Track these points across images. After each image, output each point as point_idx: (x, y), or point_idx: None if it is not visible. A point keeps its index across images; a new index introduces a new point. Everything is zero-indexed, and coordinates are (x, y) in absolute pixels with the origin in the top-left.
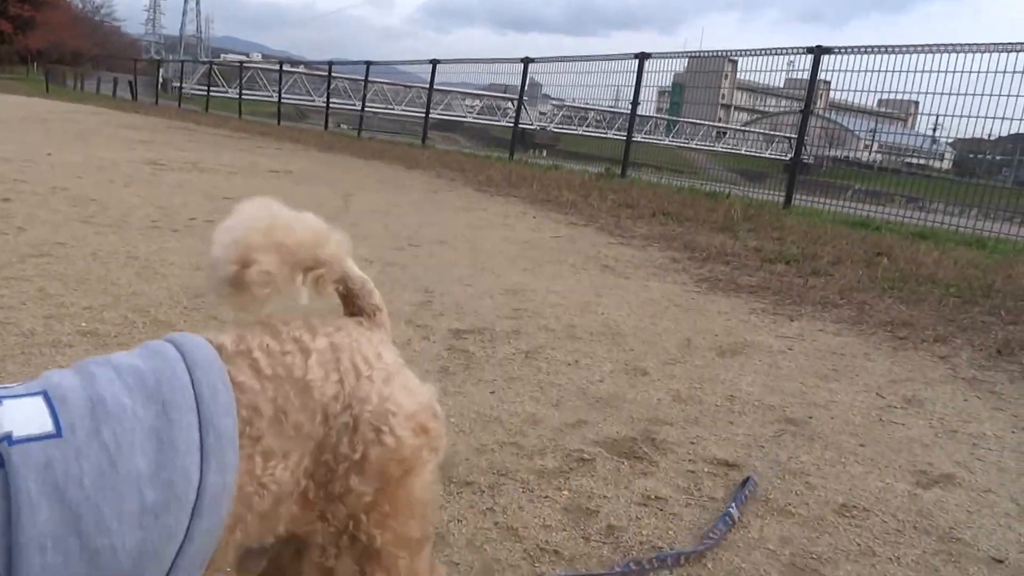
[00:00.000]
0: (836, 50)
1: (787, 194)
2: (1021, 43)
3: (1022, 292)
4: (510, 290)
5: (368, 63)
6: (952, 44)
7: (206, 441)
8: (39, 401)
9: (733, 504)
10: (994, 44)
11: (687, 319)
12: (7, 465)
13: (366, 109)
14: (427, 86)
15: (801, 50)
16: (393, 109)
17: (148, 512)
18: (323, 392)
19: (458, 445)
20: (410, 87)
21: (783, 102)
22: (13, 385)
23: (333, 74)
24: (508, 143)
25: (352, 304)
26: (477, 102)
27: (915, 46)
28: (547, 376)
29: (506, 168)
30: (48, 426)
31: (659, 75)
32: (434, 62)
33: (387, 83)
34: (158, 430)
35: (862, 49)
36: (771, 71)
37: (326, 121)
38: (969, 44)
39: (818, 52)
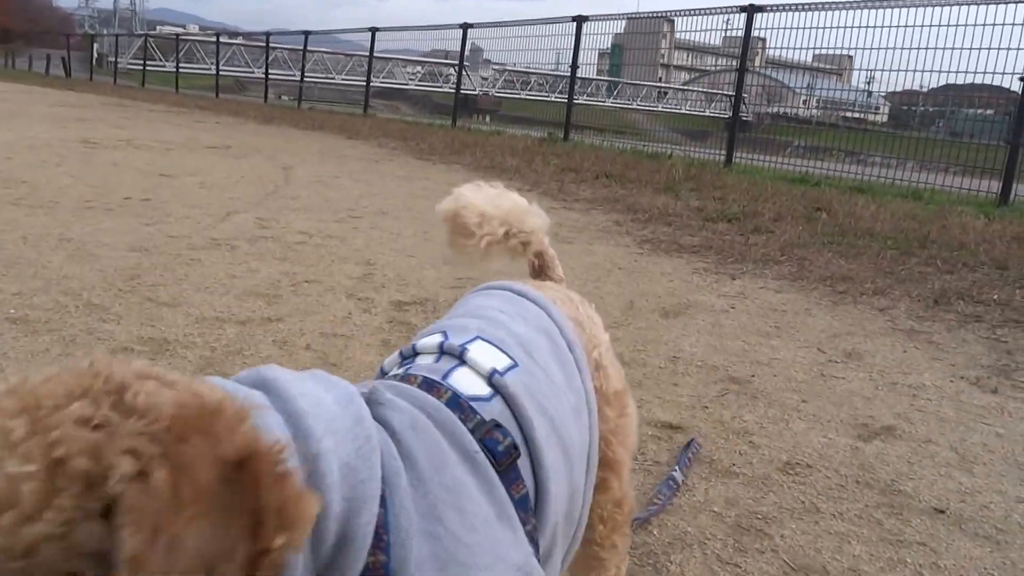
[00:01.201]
0: (769, 8)
1: (727, 153)
2: None
3: (957, 242)
4: (452, 259)
5: (306, 33)
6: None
7: (577, 359)
8: (484, 343)
9: (677, 467)
10: None
11: (630, 281)
12: (506, 390)
13: (306, 79)
14: (368, 54)
15: (735, 9)
16: (334, 79)
17: (574, 411)
18: (587, 333)
19: None
20: (351, 56)
21: (721, 60)
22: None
23: (272, 44)
24: (451, 109)
25: (543, 274)
26: (419, 69)
27: (848, 2)
28: None
29: (448, 135)
30: (506, 360)
31: (598, 37)
32: (373, 30)
33: (327, 52)
34: (555, 352)
35: (795, 6)
36: (708, 30)
37: (265, 93)
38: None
39: (751, 10)
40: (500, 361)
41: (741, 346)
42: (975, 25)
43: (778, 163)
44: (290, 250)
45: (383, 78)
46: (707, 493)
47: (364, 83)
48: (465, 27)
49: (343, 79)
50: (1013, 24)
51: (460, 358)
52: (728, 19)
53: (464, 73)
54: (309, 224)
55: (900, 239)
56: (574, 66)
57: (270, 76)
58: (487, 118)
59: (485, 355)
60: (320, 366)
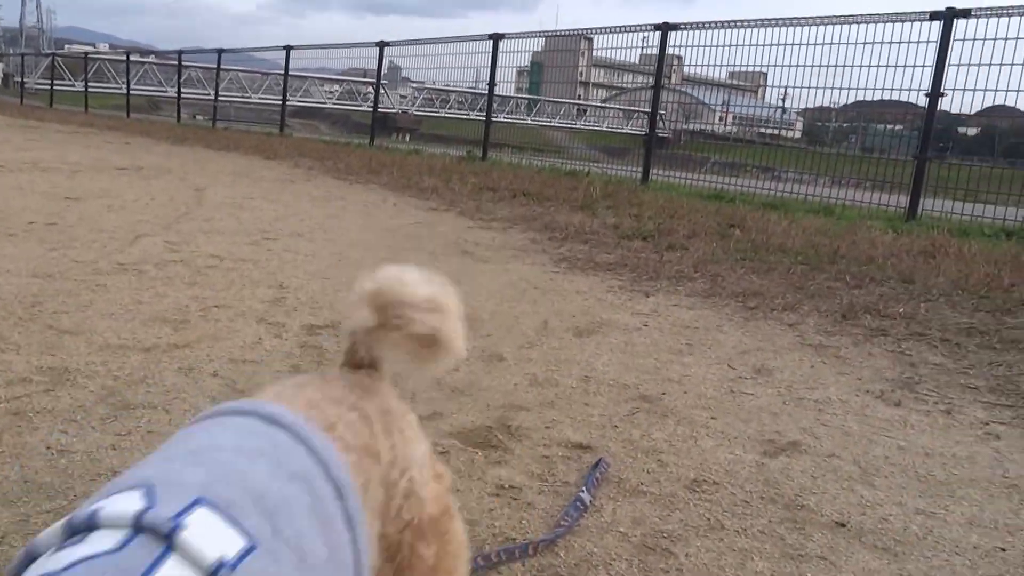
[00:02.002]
0: (683, 26)
1: (644, 170)
2: (857, 15)
3: (865, 257)
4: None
5: (220, 51)
6: (795, 18)
7: (349, 511)
8: (207, 512)
9: (584, 488)
10: (834, 16)
11: (545, 301)
12: None
13: (222, 98)
14: (284, 73)
15: (649, 27)
16: (251, 97)
17: None
18: (387, 461)
19: None
20: (267, 74)
21: (639, 78)
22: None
23: (186, 63)
24: (370, 128)
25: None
26: (337, 87)
27: (760, 20)
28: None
29: (366, 154)
30: (240, 540)
31: (517, 55)
32: (288, 48)
33: (243, 71)
34: (315, 508)
35: (708, 24)
36: (625, 48)
37: (178, 112)
38: (810, 17)
39: (665, 28)
40: (230, 543)
41: (653, 364)
42: (882, 43)
43: (694, 180)
44: (200, 274)
45: (300, 97)
46: (614, 513)
47: (280, 102)
48: (381, 45)
49: (259, 98)
50: (919, 41)
51: (169, 540)
52: (645, 37)
53: (382, 91)
54: (221, 247)
55: (811, 254)
56: (491, 84)
57: (183, 95)
58: (407, 137)
59: (209, 534)
60: (228, 393)
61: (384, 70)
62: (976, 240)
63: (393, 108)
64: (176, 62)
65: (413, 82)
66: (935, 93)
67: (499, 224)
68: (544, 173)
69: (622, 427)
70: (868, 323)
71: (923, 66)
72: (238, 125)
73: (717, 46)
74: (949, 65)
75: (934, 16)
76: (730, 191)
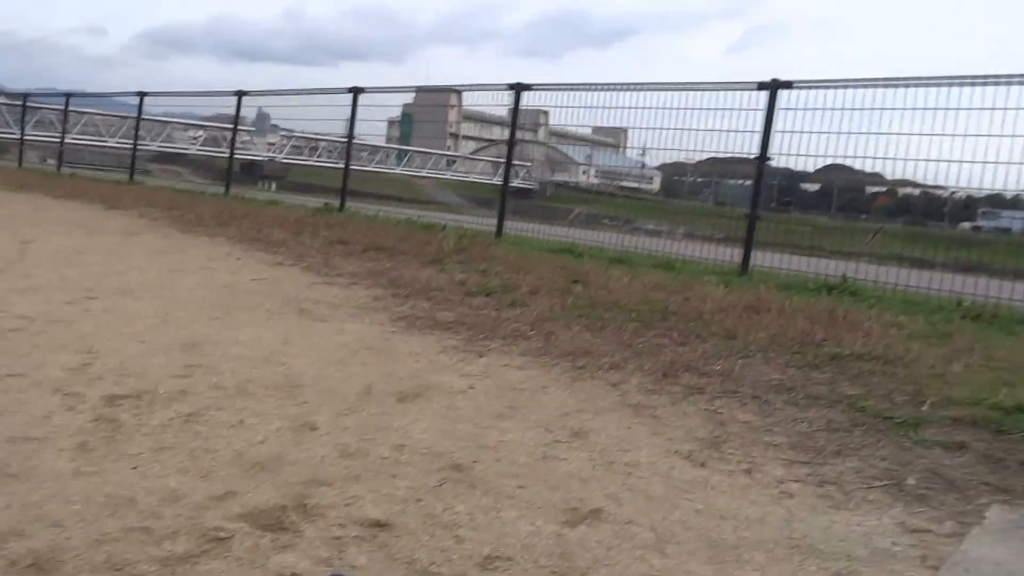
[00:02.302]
0: (535, 87)
1: (498, 224)
2: (700, 83)
3: (695, 313)
4: (190, 344)
5: (68, 94)
6: (643, 83)
7: None
8: None
9: None
10: (678, 83)
11: (376, 363)
12: None
13: (76, 142)
14: (145, 117)
15: (503, 87)
16: (107, 141)
17: None
18: None
19: (72, 539)
20: (125, 118)
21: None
22: None
23: (37, 104)
24: (237, 176)
25: None
26: (201, 133)
27: (609, 84)
28: (204, 442)
29: (219, 205)
30: None
31: (387, 107)
32: (141, 94)
33: (99, 114)
34: None
35: (561, 86)
36: (494, 104)
37: (20, 156)
38: (657, 83)
39: (518, 88)
40: None
41: (471, 429)
42: (719, 109)
43: (547, 234)
44: (1, 338)
45: (162, 142)
46: None
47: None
48: (239, 94)
49: (117, 142)
50: (747, 109)
51: None
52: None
53: (249, 138)
54: (34, 307)
55: (644, 311)
56: (350, 137)
57: (34, 138)
58: (273, 185)
59: None
60: None
61: (252, 117)
62: (799, 295)
63: (260, 155)
64: (21, 103)
65: (282, 129)
66: (763, 156)
67: (344, 280)
68: (400, 226)
69: (426, 500)
70: (687, 381)
71: (752, 131)
72: (91, 170)
73: (578, 107)
74: (775, 131)
75: (761, 86)
76: (579, 245)
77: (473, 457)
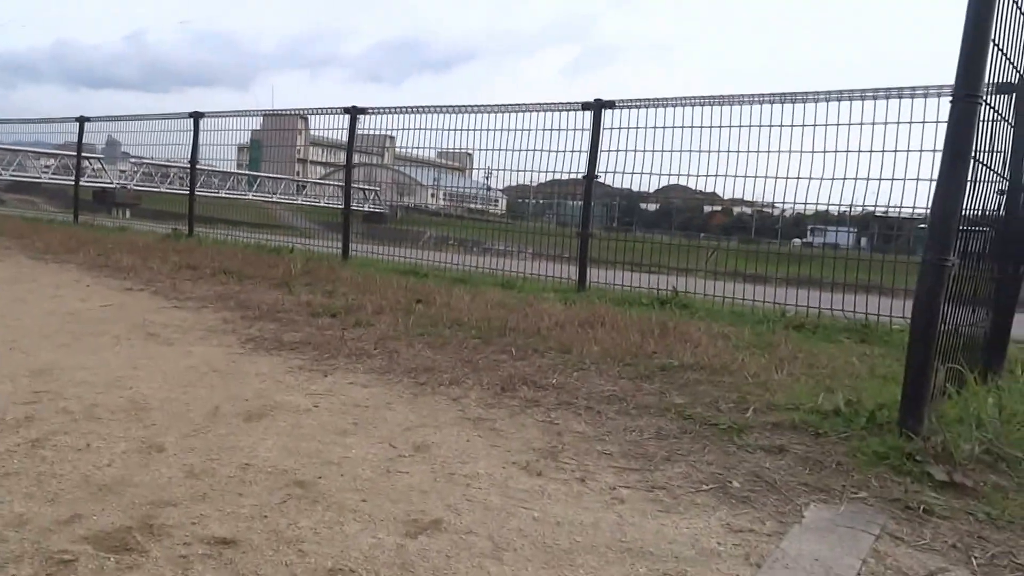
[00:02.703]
0: (371, 110)
1: (343, 246)
2: (528, 104)
3: (533, 329)
4: (37, 371)
5: None
6: (485, 104)
7: None
8: None
9: None
10: (510, 105)
11: (223, 384)
12: None
13: None
14: None
15: (339, 110)
16: None
17: None
18: None
19: None
20: None
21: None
22: None
23: None
24: (90, 203)
25: None
26: (52, 161)
27: (450, 106)
28: (51, 467)
29: (68, 232)
30: None
31: (235, 132)
32: None
33: None
34: None
35: (399, 109)
36: (339, 128)
37: None
38: (490, 105)
39: (353, 112)
40: None
41: (316, 447)
42: (553, 130)
43: (398, 256)
44: None
45: (14, 171)
46: None
47: None
48: (82, 120)
49: None
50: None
51: None
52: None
53: (100, 166)
54: None
55: (484, 328)
56: (193, 161)
57: None
58: (127, 212)
59: None
60: None
61: (103, 144)
62: (633, 309)
63: (111, 183)
64: None
65: (133, 157)
66: (590, 175)
67: (193, 304)
68: (248, 250)
69: (271, 517)
70: (525, 394)
71: (580, 151)
72: None
73: (422, 129)
74: (601, 150)
75: (585, 106)
76: (424, 266)
77: (317, 473)
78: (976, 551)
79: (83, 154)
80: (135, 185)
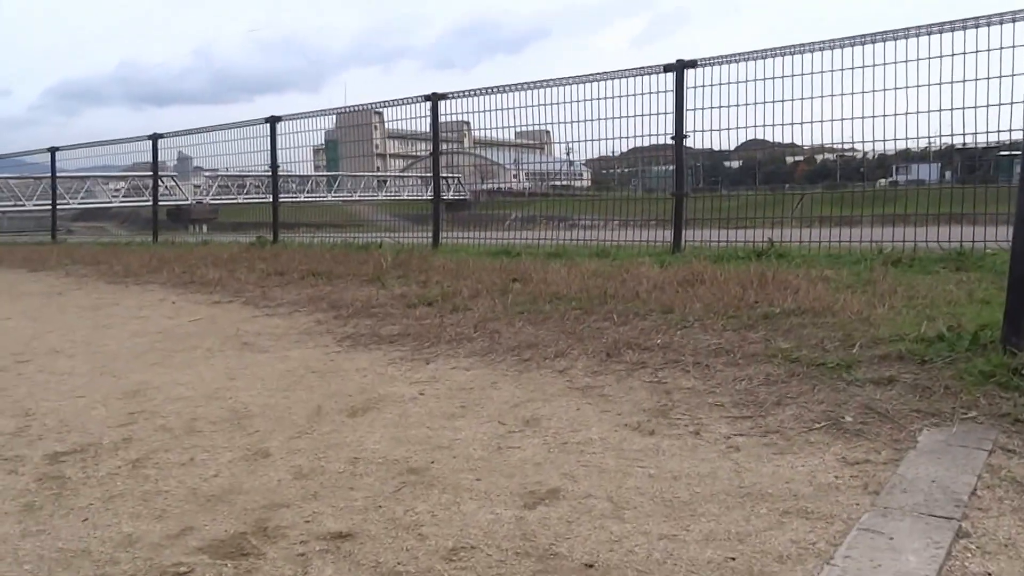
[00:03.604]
0: (451, 95)
1: (434, 235)
2: (609, 72)
3: (632, 294)
4: (130, 392)
5: None
6: (555, 79)
7: None
8: None
9: None
10: (589, 75)
11: (322, 385)
12: None
13: None
14: (60, 175)
15: (419, 98)
16: (24, 205)
17: None
18: None
19: None
20: (40, 179)
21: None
22: None
23: None
24: (165, 223)
25: None
26: (122, 184)
27: (521, 84)
28: (155, 484)
29: (147, 253)
30: None
31: (310, 134)
32: (52, 150)
33: (11, 178)
34: None
35: (478, 91)
36: (415, 117)
37: None
38: (568, 77)
39: (434, 98)
40: None
41: (425, 433)
42: (633, 95)
43: (485, 238)
44: None
45: (82, 198)
46: None
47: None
48: (155, 138)
49: (35, 205)
50: (660, 92)
51: None
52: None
53: (174, 183)
54: None
55: (583, 299)
56: (274, 167)
57: None
58: (204, 228)
59: None
60: None
61: (174, 162)
62: (731, 264)
63: (186, 199)
64: None
65: (206, 171)
66: (679, 136)
67: (285, 309)
68: (336, 250)
69: (386, 506)
70: (630, 358)
71: (667, 113)
72: (10, 235)
73: (499, 110)
74: (687, 110)
75: (667, 68)
76: (516, 246)
77: (429, 459)
78: None
79: (149, 174)
80: (211, 199)
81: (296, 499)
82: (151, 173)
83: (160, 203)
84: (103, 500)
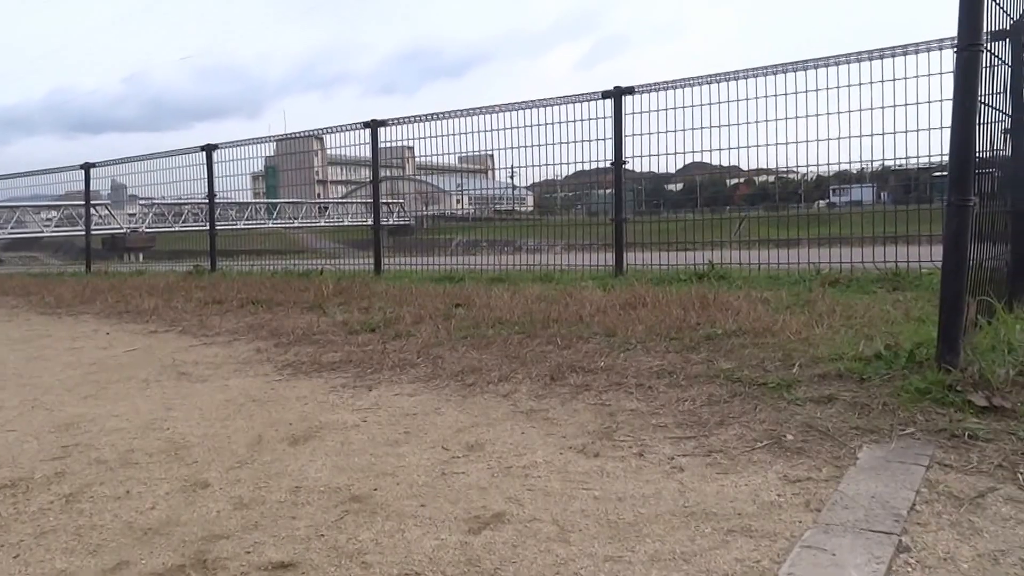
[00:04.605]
0: (391, 121)
1: (375, 261)
2: (549, 99)
3: (576, 317)
4: (63, 425)
5: None
6: (503, 104)
7: None
8: None
9: None
10: (529, 101)
11: (262, 413)
12: None
13: None
14: None
15: (359, 125)
16: None
17: None
18: None
19: None
20: None
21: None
22: None
23: None
24: (100, 253)
25: None
26: (55, 213)
27: (470, 109)
28: (89, 518)
29: (80, 283)
30: None
31: (249, 161)
32: None
33: None
34: None
35: (420, 117)
36: (357, 144)
37: None
38: (506, 104)
39: (374, 125)
40: None
41: (368, 460)
42: (573, 122)
43: (426, 264)
44: None
45: (13, 228)
46: None
47: None
48: (87, 167)
49: None
50: (599, 118)
51: None
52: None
53: (108, 212)
54: None
55: (527, 323)
56: (211, 195)
57: None
58: (140, 257)
59: None
60: None
61: (108, 190)
62: (672, 287)
63: (121, 228)
64: None
65: (141, 199)
66: (618, 161)
67: (223, 338)
68: (276, 278)
69: (329, 535)
70: (574, 381)
71: (605, 139)
72: None
73: (441, 136)
74: (626, 136)
75: (605, 95)
76: (460, 271)
77: (372, 486)
78: (1021, 467)
79: (79, 203)
80: (147, 228)
81: (236, 530)
82: (84, 202)
83: (94, 232)
84: (35, 536)
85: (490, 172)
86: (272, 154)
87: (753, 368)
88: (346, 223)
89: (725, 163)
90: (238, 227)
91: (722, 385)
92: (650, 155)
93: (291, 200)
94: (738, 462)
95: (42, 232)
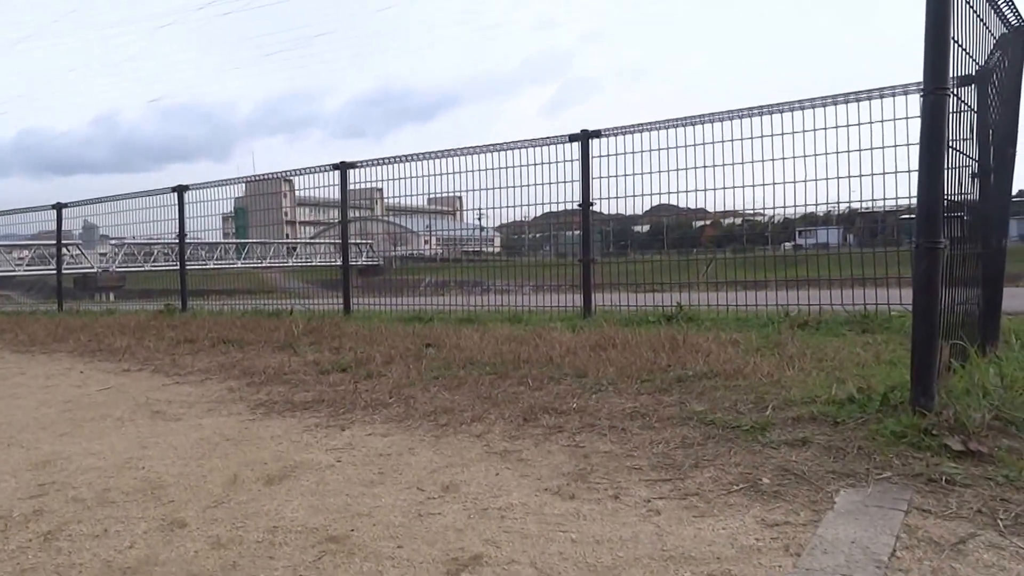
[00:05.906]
0: (360, 163)
1: (344, 301)
2: (517, 141)
3: (546, 359)
4: (40, 463)
5: None
6: (471, 147)
7: None
8: None
9: None
10: (496, 144)
11: (237, 453)
12: None
13: None
14: None
15: (328, 167)
16: None
17: None
18: None
19: None
20: None
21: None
22: None
23: None
24: (71, 291)
25: None
26: (27, 252)
27: (438, 152)
28: (68, 557)
29: (52, 321)
30: None
31: (219, 202)
32: None
33: None
34: None
35: (389, 159)
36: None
37: None
38: (487, 145)
39: (343, 167)
40: None
41: (344, 501)
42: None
43: (397, 304)
44: None
45: None
46: None
47: None
48: (59, 207)
49: None
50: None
51: None
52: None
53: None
54: None
55: (498, 363)
56: (181, 235)
57: None
58: (111, 296)
59: None
60: None
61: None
62: (641, 328)
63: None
64: None
65: (112, 239)
66: (586, 203)
67: (196, 377)
68: (246, 317)
69: (307, 575)
70: (547, 422)
71: (574, 181)
72: None
73: (409, 177)
74: (593, 178)
75: (572, 138)
76: (428, 311)
77: (349, 526)
78: (1000, 513)
79: (52, 243)
80: (118, 267)
81: (214, 570)
82: (51, 243)
83: (65, 271)
84: (15, 574)
85: (459, 213)
86: (241, 195)
87: (726, 410)
88: (315, 263)
89: (692, 205)
90: (208, 267)
91: (695, 427)
92: (617, 197)
93: (260, 240)
94: (715, 505)
95: (14, 271)
